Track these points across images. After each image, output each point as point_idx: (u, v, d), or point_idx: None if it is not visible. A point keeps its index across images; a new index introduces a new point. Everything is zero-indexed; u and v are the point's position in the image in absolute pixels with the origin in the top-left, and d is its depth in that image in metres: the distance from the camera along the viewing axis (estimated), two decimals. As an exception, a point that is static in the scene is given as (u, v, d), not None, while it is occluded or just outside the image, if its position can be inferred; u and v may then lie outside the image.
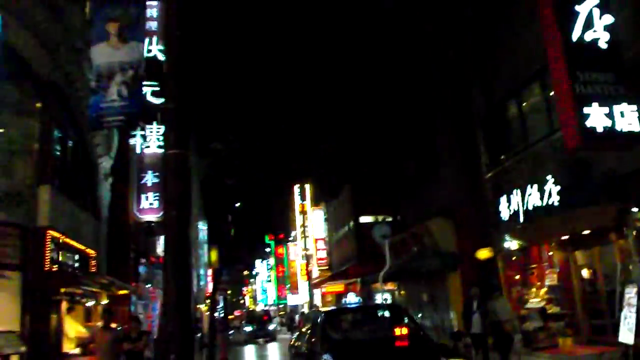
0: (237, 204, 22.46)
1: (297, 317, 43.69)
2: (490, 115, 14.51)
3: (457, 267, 15.67)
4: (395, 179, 21.08)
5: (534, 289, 13.53)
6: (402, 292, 20.70)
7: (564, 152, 10.65)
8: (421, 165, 18.66)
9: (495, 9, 13.66)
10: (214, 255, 21.61)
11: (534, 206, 10.93)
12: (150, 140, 14.29)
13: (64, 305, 10.54)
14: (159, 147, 13.92)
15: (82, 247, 11.73)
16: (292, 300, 50.52)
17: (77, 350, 10.33)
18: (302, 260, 40.82)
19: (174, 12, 4.50)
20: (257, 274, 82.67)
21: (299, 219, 41.69)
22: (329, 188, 31.15)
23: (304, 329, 10.85)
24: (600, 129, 7.85)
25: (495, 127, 14.36)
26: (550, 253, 12.91)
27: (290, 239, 50.30)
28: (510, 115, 13.86)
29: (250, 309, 69.61)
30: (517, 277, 14.04)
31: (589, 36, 8.27)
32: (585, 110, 7.86)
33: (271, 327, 34.14)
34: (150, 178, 14.20)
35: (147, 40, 11.53)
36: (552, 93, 11.66)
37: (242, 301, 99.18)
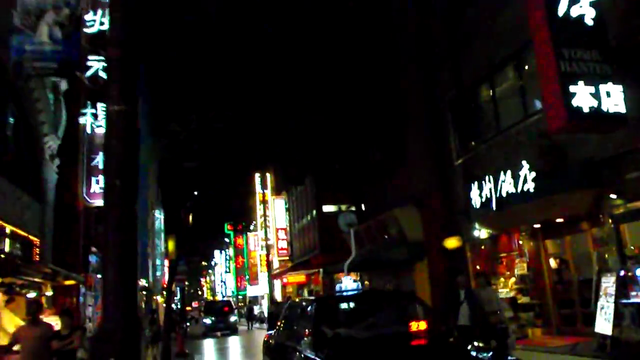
0: (196, 192, 21.44)
1: (255, 308, 43.01)
2: (460, 100, 14.11)
3: (424, 256, 15.24)
4: (360, 166, 20.47)
5: (502, 279, 13.29)
6: (367, 282, 20.24)
7: (539, 137, 10.34)
8: (387, 151, 18.10)
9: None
10: (171, 245, 20.70)
11: (507, 193, 10.55)
12: (101, 119, 13.27)
13: (1, 297, 9.60)
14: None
15: (23, 233, 10.83)
16: (251, 291, 49.79)
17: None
18: (262, 250, 40.03)
19: None
20: (215, 264, 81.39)
21: (259, 208, 40.84)
22: (291, 176, 30.39)
23: (281, 323, 8.29)
24: (586, 109, 7.45)
25: (466, 112, 13.97)
26: (521, 242, 12.66)
27: (251, 228, 49.37)
28: (482, 99, 13.48)
29: (209, 300, 68.14)
30: (486, 266, 13.75)
31: (575, 11, 7.85)
32: (572, 88, 7.43)
33: (232, 318, 32.75)
34: (101, 160, 13.19)
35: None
36: (525, 79, 11.35)
37: (200, 292, 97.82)
